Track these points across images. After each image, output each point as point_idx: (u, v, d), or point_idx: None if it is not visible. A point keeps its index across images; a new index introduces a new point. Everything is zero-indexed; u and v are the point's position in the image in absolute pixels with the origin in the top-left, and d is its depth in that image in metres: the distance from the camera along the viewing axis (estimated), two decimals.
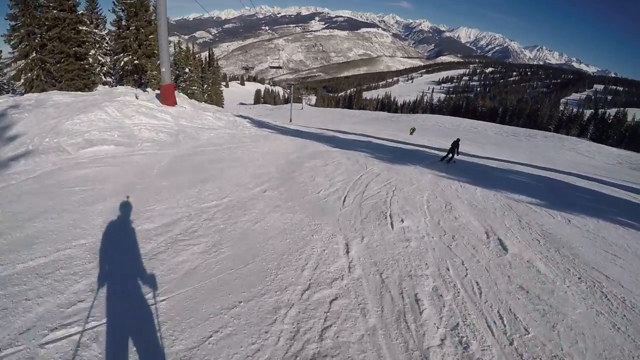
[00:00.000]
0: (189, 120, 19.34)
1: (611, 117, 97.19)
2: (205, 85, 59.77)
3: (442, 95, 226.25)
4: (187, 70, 49.57)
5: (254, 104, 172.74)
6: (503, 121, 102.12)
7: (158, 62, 28.36)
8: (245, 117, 32.24)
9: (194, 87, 51.18)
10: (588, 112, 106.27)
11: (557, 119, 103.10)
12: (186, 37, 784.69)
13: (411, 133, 51.49)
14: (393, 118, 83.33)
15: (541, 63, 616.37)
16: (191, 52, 56.19)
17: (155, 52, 31.30)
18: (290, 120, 62.82)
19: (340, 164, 14.65)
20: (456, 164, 19.56)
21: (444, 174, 15.37)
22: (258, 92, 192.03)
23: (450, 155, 20.57)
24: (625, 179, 27.30)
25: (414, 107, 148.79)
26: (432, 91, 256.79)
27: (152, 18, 32.59)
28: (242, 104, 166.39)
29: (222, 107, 69.86)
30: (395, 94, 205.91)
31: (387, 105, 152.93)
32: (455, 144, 20.67)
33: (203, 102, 43.06)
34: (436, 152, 25.65)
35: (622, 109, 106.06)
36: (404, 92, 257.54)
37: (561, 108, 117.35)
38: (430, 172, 15.44)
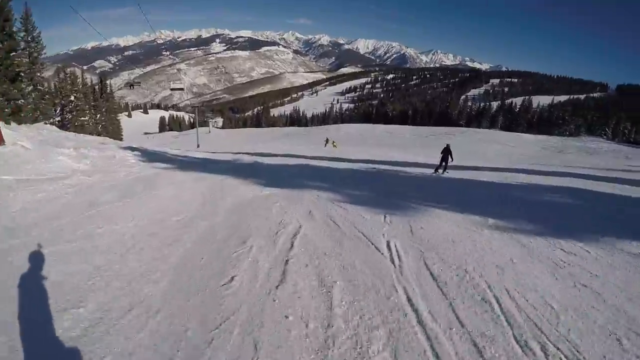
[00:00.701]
0: (18, 169, 11.50)
1: (518, 106, 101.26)
2: (99, 115, 54.73)
3: (349, 105, 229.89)
4: (72, 98, 45.24)
5: (159, 132, 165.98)
6: (415, 123, 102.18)
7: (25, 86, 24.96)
8: (135, 149, 25.50)
9: (83, 118, 45.76)
10: (495, 104, 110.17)
11: (467, 114, 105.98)
12: (85, 67, 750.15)
13: (328, 145, 50.00)
14: (304, 132, 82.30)
15: (438, 65, 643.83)
16: (79, 78, 50.94)
17: (22, 74, 26.62)
18: (198, 146, 59.42)
19: (309, 241, 6.96)
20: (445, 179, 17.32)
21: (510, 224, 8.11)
22: (162, 119, 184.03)
23: (444, 164, 19.16)
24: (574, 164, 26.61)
25: (325, 119, 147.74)
26: (338, 102, 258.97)
27: (14, 30, 27.03)
28: (146, 133, 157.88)
29: (121, 139, 65.09)
30: (302, 108, 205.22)
31: (297, 120, 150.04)
32: (447, 152, 19.17)
33: (87, 135, 39.43)
34: (390, 166, 22.87)
35: (527, 97, 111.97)
36: (310, 105, 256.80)
37: (469, 104, 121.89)
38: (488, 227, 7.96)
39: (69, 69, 49.98)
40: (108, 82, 61.69)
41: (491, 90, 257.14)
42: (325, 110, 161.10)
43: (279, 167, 20.18)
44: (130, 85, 58.40)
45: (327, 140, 51.92)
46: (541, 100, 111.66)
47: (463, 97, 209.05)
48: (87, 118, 47.49)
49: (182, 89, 55.17)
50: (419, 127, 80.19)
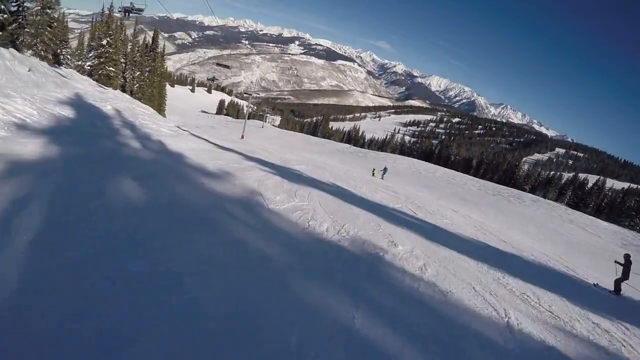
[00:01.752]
0: None
1: (588, 183, 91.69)
2: (138, 73, 48.20)
3: (409, 138, 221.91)
4: (104, 42, 39.18)
5: (216, 114, 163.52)
6: (477, 174, 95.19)
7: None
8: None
9: (110, 68, 40.02)
10: (565, 176, 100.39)
11: (534, 180, 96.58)
12: (166, 35, 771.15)
13: (375, 174, 43.90)
14: (360, 153, 75.18)
15: (504, 120, 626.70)
16: (118, 22, 43.77)
17: None
18: (242, 137, 53.80)
19: None
20: None
21: None
22: (222, 102, 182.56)
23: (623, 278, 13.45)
24: None
25: (383, 145, 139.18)
26: (399, 132, 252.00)
27: None
28: (203, 111, 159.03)
29: (163, 114, 60.02)
30: (362, 128, 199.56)
31: (353, 139, 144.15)
32: (628, 264, 13.50)
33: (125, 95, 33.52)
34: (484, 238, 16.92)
35: (600, 177, 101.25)
36: (370, 128, 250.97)
37: (538, 169, 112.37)
38: None
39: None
40: (161, 42, 54.97)
41: (555, 159, 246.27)
42: (386, 137, 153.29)
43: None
44: (210, 80, 52.64)
45: (378, 171, 45.78)
46: (608, 183, 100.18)
47: (525, 159, 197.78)
48: (114, 69, 40.68)
49: (228, 67, 48.12)
50: (483, 180, 71.85)
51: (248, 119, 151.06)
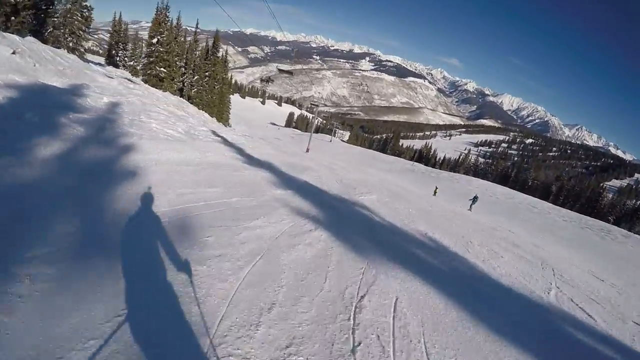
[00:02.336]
0: None
1: None
2: (196, 77, 42.96)
3: (480, 159, 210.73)
4: (154, 40, 34.33)
5: (285, 126, 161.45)
6: (556, 201, 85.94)
7: None
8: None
9: (161, 68, 35.72)
10: None
11: (619, 210, 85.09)
12: (239, 49, 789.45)
13: (435, 194, 39.81)
14: (433, 174, 68.08)
15: (579, 142, 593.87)
16: (174, 23, 39.93)
17: None
18: (307, 150, 48.79)
19: None
20: None
21: None
22: (291, 115, 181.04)
23: None
24: None
25: (455, 166, 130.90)
26: (469, 152, 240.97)
27: None
28: (272, 124, 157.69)
29: (228, 124, 56.42)
30: (433, 147, 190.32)
31: (424, 157, 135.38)
32: None
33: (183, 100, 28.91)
34: None
35: None
36: (441, 147, 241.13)
37: (625, 198, 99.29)
38: None
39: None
40: (224, 48, 49.97)
41: (634, 186, 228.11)
42: (459, 157, 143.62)
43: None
44: (265, 80, 48.73)
45: (436, 190, 41.73)
46: None
47: (603, 184, 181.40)
48: (166, 70, 35.62)
49: (290, 73, 42.77)
50: (566, 210, 62.51)
51: (316, 132, 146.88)
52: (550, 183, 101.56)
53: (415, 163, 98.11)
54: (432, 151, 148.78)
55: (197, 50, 46.23)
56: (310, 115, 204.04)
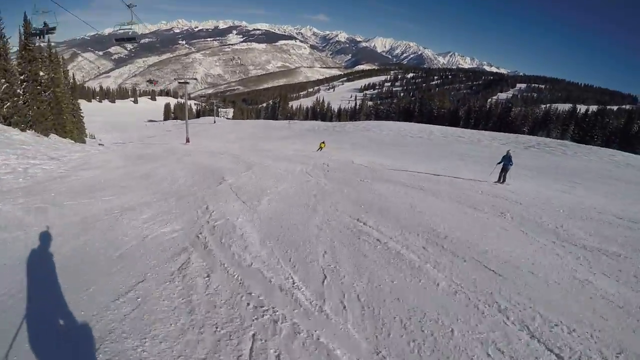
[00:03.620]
0: None
1: (580, 112, 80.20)
2: (4, 85, 31.18)
3: (369, 102, 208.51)
4: None
5: (164, 119, 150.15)
6: (467, 125, 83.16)
7: None
8: None
9: None
10: (561, 110, 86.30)
11: (532, 121, 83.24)
12: (101, 52, 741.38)
13: (321, 149, 36.35)
14: (337, 128, 61.85)
15: (455, 67, 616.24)
16: None
17: None
18: (187, 141, 40.44)
19: None
20: None
21: None
22: (167, 106, 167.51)
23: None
24: None
25: (355, 115, 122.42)
26: (356, 98, 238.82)
27: None
28: (150, 121, 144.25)
29: (82, 138, 47.37)
30: (325, 101, 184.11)
31: (320, 114, 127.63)
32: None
33: None
34: None
35: (602, 106, 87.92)
36: (327, 100, 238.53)
37: (536, 110, 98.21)
38: None
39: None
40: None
41: (519, 95, 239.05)
42: (355, 105, 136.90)
43: None
44: (150, 81, 41.51)
45: (322, 145, 37.69)
46: (582, 109, 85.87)
47: (490, 100, 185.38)
48: None
49: (132, 39, 35.05)
50: (488, 132, 58.79)
51: (198, 117, 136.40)
52: (456, 109, 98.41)
53: (291, 121, 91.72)
54: (327, 104, 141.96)
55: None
56: (189, 102, 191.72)
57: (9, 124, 30.65)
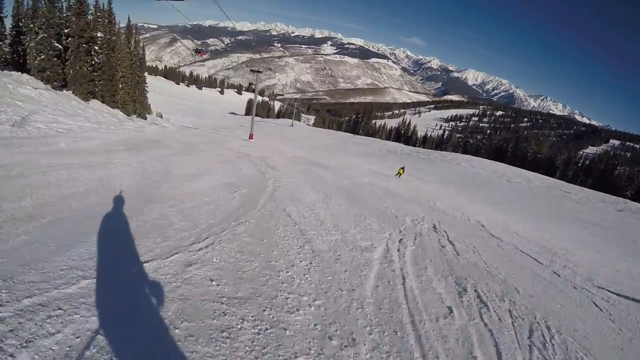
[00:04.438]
0: None
1: None
2: (41, 35, 25.99)
3: (452, 133, 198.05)
4: None
5: (245, 114, 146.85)
6: (564, 177, 72.91)
7: None
8: None
9: None
10: None
11: (637, 185, 70.71)
12: (199, 42, 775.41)
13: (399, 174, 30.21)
14: (422, 154, 53.91)
15: (545, 112, 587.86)
16: None
17: None
18: (251, 137, 34.80)
19: None
20: None
21: None
22: (250, 102, 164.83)
23: None
24: None
25: (441, 143, 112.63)
26: (442, 128, 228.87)
27: None
28: (232, 113, 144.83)
29: (144, 115, 45.47)
30: (411, 123, 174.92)
31: (404, 136, 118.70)
32: None
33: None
34: None
35: None
36: (413, 124, 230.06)
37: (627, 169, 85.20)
38: None
39: None
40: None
41: (612, 153, 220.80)
42: (443, 133, 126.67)
43: None
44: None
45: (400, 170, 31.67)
46: None
47: (580, 153, 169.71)
48: None
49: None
50: (590, 190, 48.98)
51: (278, 117, 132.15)
52: (553, 158, 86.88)
53: (356, 136, 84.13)
54: (412, 127, 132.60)
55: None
56: (272, 102, 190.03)
57: (42, 79, 27.39)
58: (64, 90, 28.21)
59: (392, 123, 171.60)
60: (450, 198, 21.22)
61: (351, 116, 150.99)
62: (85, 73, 30.03)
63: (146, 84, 48.02)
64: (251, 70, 35.53)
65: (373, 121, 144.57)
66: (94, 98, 31.07)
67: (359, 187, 15.95)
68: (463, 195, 25.26)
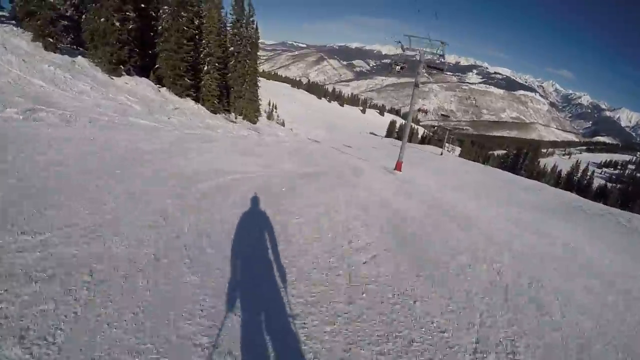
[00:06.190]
0: None
1: None
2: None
3: (606, 182, 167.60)
4: None
5: (386, 136, 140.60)
6: None
7: None
8: None
9: None
10: None
11: None
12: (344, 62, 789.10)
13: None
14: (624, 221, 36.90)
15: None
16: None
17: None
18: (398, 168, 22.96)
19: None
20: None
21: None
22: (392, 123, 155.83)
23: None
24: None
25: (630, 197, 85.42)
26: (594, 173, 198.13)
27: None
28: (372, 133, 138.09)
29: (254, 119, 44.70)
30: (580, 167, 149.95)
31: (576, 184, 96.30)
32: None
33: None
34: None
35: None
36: (560, 167, 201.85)
37: None
38: None
39: None
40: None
41: None
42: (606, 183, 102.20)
43: None
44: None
45: None
46: None
47: None
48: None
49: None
50: None
51: (424, 143, 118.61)
52: None
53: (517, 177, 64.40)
54: (589, 174, 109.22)
55: None
56: (416, 127, 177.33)
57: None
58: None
59: (555, 161, 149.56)
60: None
61: (510, 151, 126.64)
62: (175, 64, 30.38)
63: (258, 86, 45.43)
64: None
65: (540, 159, 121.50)
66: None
67: None
68: None
